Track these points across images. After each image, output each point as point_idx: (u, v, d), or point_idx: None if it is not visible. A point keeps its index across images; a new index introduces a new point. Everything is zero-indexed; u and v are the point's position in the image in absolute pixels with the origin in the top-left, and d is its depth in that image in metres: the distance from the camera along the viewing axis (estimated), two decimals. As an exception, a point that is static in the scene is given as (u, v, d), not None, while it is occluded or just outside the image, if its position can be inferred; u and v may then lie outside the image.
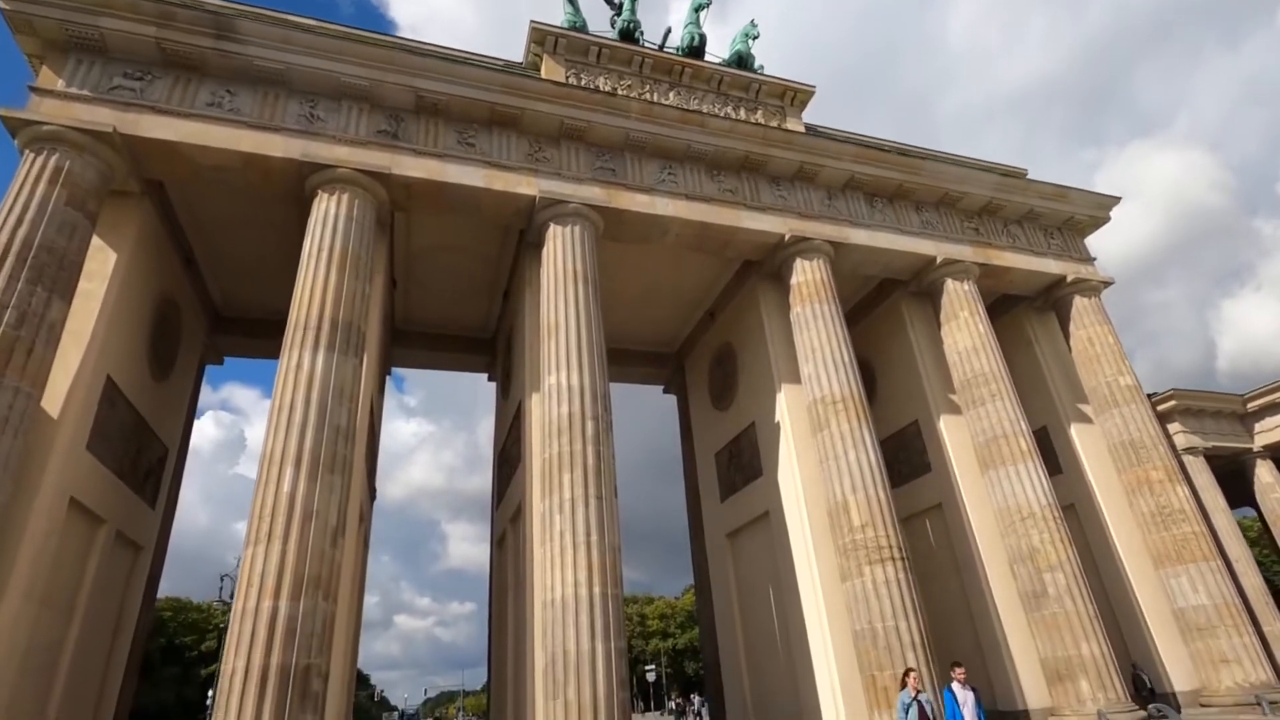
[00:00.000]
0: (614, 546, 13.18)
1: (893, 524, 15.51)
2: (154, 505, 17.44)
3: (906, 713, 7.37)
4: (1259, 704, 15.93)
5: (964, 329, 19.67)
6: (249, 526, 11.56)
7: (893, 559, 15.06)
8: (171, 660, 45.95)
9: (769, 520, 18.75)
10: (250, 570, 11.13)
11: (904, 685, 7.78)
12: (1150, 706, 15.44)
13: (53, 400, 12.69)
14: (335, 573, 11.80)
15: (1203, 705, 16.61)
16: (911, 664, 13.96)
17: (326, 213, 14.50)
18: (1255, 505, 26.74)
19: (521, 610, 15.05)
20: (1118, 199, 23.36)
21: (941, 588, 18.68)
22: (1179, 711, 15.33)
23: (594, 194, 16.91)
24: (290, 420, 12.25)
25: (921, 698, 7.39)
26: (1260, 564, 24.36)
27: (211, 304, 20.35)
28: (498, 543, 19.60)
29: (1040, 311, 23.55)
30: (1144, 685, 17.20)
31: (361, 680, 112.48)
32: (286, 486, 11.70)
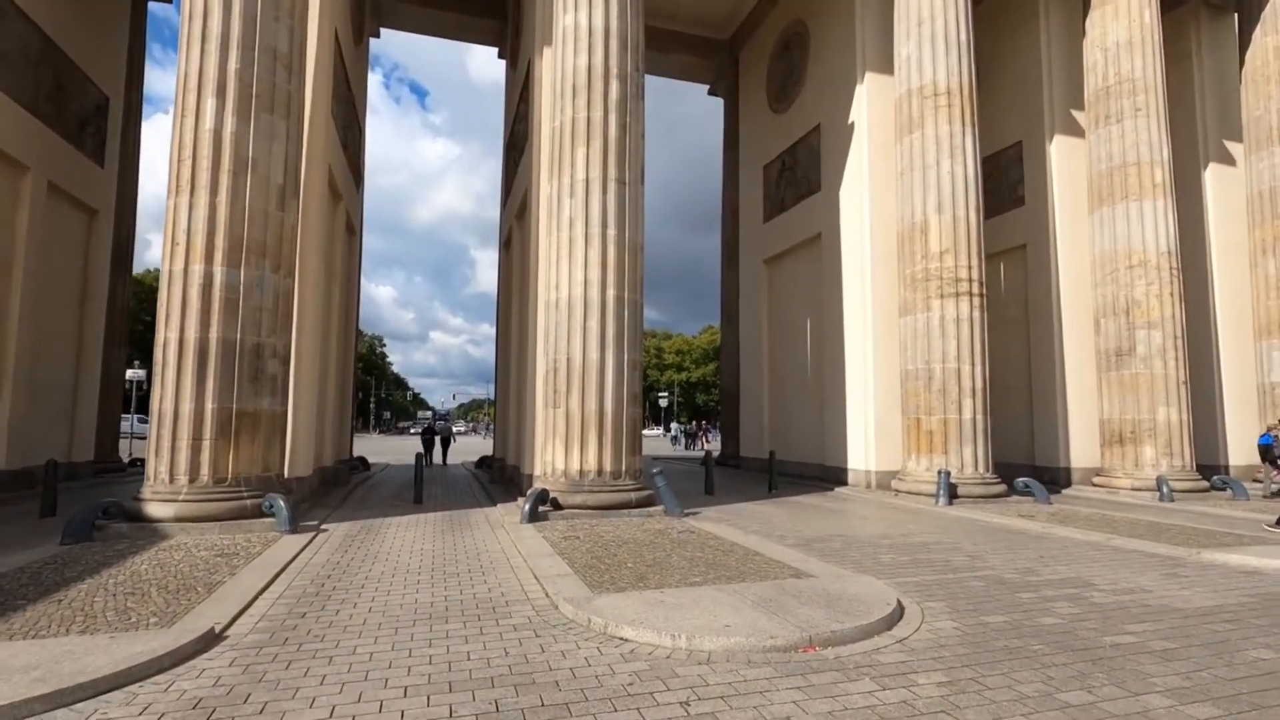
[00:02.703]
0: (635, 244, 10.60)
1: (978, 254, 12.69)
2: (102, 164, 14.87)
3: None
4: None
5: (1122, 17, 14.70)
6: (170, 171, 8.95)
7: (970, 294, 12.51)
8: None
9: (820, 244, 15.99)
10: (175, 227, 8.77)
11: None
12: (1214, 478, 13.98)
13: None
14: (287, 242, 9.46)
15: (1256, 480, 15.26)
16: (967, 412, 12.18)
17: None
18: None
19: (525, 314, 13.11)
20: None
21: (1000, 337, 16.47)
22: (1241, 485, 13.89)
23: None
24: (206, 32, 8.93)
25: None
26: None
27: (135, -94, 15.58)
28: (504, 245, 17.29)
29: (1217, 13, 17.95)
30: None
31: (400, 383, 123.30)
32: (209, 122, 8.82)
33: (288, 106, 9.47)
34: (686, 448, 39.47)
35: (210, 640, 4.39)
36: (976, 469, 12.13)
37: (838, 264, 15.09)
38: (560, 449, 10.14)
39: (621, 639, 4.46)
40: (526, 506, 9.21)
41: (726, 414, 21.89)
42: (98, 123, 14.72)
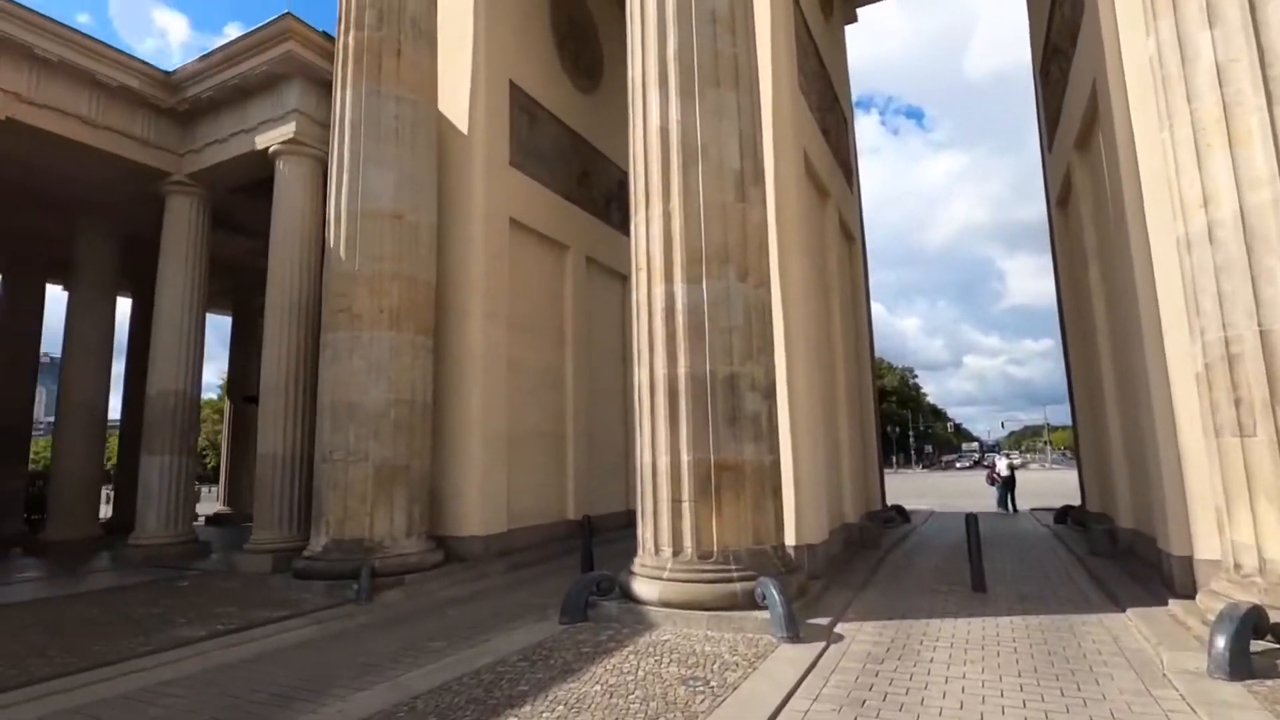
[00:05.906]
0: None
1: None
2: (628, 234, 16.19)
3: None
4: None
5: None
6: (631, 189, 7.99)
7: None
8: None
9: None
10: (636, 250, 7.73)
11: None
12: None
13: (453, 111, 11.31)
14: (753, 241, 7.36)
15: None
16: None
17: None
18: None
19: (1120, 279, 8.01)
20: None
21: None
22: None
23: None
24: (644, 23, 7.74)
25: None
26: None
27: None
28: (1059, 203, 12.06)
29: None
30: None
31: (938, 414, 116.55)
32: (655, 119, 7.49)
33: (735, 74, 7.50)
34: None
35: None
36: None
37: None
38: (1272, 517, 4.98)
39: None
40: (1221, 644, 4.49)
41: None
42: (620, 198, 16.18)
